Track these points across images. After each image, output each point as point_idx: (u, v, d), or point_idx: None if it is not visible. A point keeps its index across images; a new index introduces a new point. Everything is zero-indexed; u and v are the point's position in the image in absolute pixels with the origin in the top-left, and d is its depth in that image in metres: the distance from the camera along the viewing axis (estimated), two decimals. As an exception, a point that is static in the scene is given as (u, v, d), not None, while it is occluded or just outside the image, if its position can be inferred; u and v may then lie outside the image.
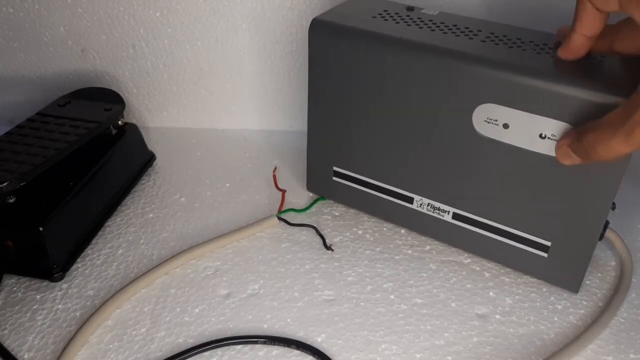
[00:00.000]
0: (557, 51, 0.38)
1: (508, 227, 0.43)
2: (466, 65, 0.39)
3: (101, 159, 0.50)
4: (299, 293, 0.43)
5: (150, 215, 0.51)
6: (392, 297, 0.43)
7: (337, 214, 0.51)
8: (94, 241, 0.48)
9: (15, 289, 0.43)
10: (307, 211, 0.52)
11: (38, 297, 0.43)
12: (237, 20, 0.57)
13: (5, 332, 0.40)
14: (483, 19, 0.44)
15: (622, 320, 0.41)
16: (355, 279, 0.45)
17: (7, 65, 0.62)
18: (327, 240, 0.48)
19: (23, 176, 0.42)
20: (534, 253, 0.43)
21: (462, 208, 0.44)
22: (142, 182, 0.56)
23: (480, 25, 0.43)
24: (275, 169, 0.54)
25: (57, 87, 0.61)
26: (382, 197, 0.48)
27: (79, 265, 0.45)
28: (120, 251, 0.47)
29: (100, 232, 0.49)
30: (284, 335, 0.40)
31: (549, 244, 0.42)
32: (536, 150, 0.38)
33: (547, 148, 0.38)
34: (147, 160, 0.57)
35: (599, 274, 0.45)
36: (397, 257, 0.47)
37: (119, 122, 0.54)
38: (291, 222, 0.50)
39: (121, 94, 0.56)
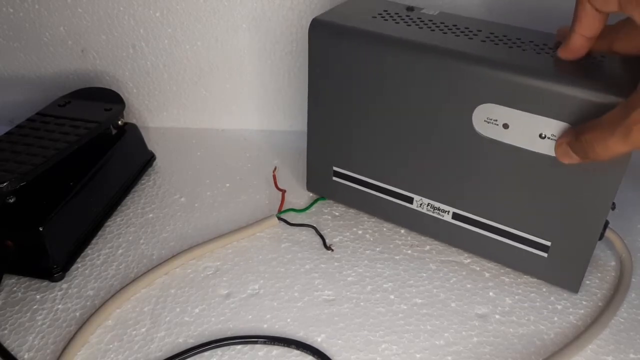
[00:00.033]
0: (557, 51, 0.38)
1: (508, 227, 0.43)
2: (466, 65, 0.39)
3: (101, 159, 0.50)
4: (299, 293, 0.43)
5: (150, 215, 0.51)
6: (392, 297, 0.43)
7: (337, 214, 0.51)
8: (94, 241, 0.48)
9: (15, 289, 0.43)
10: (307, 211, 0.52)
11: (38, 297, 0.43)
12: (237, 20, 0.57)
13: (5, 332, 0.40)
14: (483, 19, 0.44)
15: (622, 320, 0.41)
16: (355, 279, 0.45)
17: (7, 65, 0.62)
18: (327, 240, 0.48)
19: (23, 176, 0.42)
20: (533, 253, 0.43)
21: (462, 208, 0.44)
22: (142, 182, 0.56)
23: (480, 25, 0.43)
24: (275, 169, 0.54)
25: (57, 87, 0.61)
26: (382, 197, 0.48)
27: (79, 265, 0.45)
28: (120, 251, 0.47)
29: (100, 232, 0.49)
30: (284, 335, 0.40)
31: (548, 244, 0.42)
32: (536, 150, 0.38)
33: (547, 148, 0.38)
34: (147, 160, 0.57)
35: (599, 274, 0.45)
36: (397, 257, 0.47)
37: (119, 122, 0.54)
38: (291, 222, 0.50)
39: (121, 94, 0.56)
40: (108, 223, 0.50)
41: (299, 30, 0.57)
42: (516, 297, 0.43)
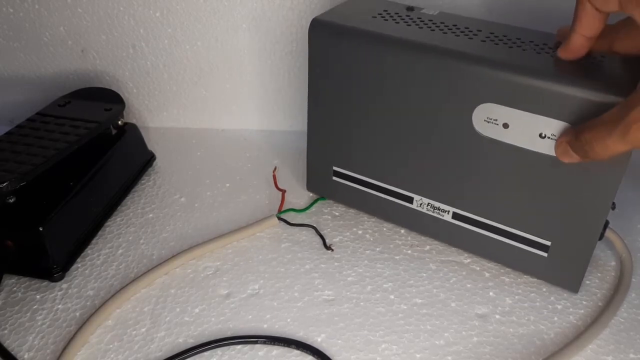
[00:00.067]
0: (557, 51, 0.38)
1: (508, 226, 0.43)
2: (466, 65, 0.39)
3: (101, 159, 0.50)
4: (299, 293, 0.43)
5: (150, 215, 0.51)
6: (392, 297, 0.43)
7: (337, 214, 0.51)
8: (94, 241, 0.48)
9: (15, 289, 0.43)
10: (307, 211, 0.52)
11: (38, 297, 0.43)
12: (237, 20, 0.57)
13: (5, 332, 0.40)
14: (483, 19, 0.44)
15: (622, 320, 0.41)
16: (355, 279, 0.45)
17: (7, 65, 0.62)
18: (327, 240, 0.48)
19: (23, 176, 0.42)
20: (534, 253, 0.43)
21: (462, 208, 0.44)
22: (142, 182, 0.56)
23: (480, 25, 0.43)
24: (275, 169, 0.54)
25: (57, 87, 0.61)
26: (382, 197, 0.48)
27: (79, 265, 0.45)
28: (120, 251, 0.47)
29: (100, 232, 0.49)
30: (284, 335, 0.40)
31: (548, 243, 0.42)
32: (536, 150, 0.38)
33: (547, 148, 0.38)
34: (147, 160, 0.57)
35: (599, 274, 0.45)
36: (397, 257, 0.47)
37: (119, 122, 0.54)
38: (291, 222, 0.50)
39: (121, 94, 0.56)
40: (108, 223, 0.50)
41: (299, 30, 0.57)
42: (516, 297, 0.43)
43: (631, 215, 0.51)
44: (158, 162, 0.59)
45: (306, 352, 0.39)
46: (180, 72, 0.61)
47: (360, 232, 0.49)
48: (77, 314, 0.41)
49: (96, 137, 0.50)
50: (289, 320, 0.41)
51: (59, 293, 0.43)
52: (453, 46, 0.40)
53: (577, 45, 0.36)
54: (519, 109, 0.38)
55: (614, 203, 0.39)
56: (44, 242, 0.43)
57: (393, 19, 0.44)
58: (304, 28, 0.57)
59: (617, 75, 0.37)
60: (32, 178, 0.43)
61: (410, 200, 0.47)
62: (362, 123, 0.45)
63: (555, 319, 0.41)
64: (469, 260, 0.46)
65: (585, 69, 0.37)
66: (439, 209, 0.45)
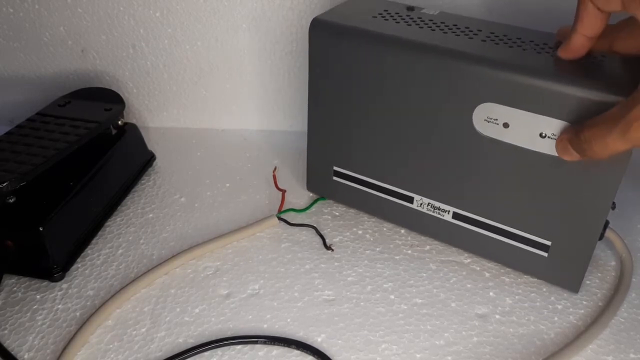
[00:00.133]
0: (557, 51, 0.38)
1: (508, 226, 0.43)
2: (466, 65, 0.39)
3: (101, 159, 0.50)
4: (299, 293, 0.43)
5: (150, 215, 0.51)
6: (392, 297, 0.43)
7: (337, 214, 0.51)
8: (94, 241, 0.48)
9: (15, 289, 0.43)
10: (307, 211, 0.52)
11: (38, 297, 0.43)
12: (237, 20, 0.57)
13: (5, 332, 0.40)
14: (483, 19, 0.44)
15: (622, 320, 0.41)
16: (355, 279, 0.45)
17: (7, 65, 0.62)
18: (327, 240, 0.48)
19: (23, 176, 0.42)
20: (534, 253, 0.43)
21: (462, 208, 0.44)
22: (142, 182, 0.56)
23: (480, 25, 0.43)
24: (275, 169, 0.54)
25: (57, 87, 0.61)
26: (382, 197, 0.48)
27: (79, 265, 0.45)
28: (120, 251, 0.47)
29: (100, 232, 0.49)
30: (284, 335, 0.40)
31: (549, 243, 0.42)
32: (536, 150, 0.38)
33: (547, 147, 0.38)
34: (147, 160, 0.57)
35: (599, 274, 0.45)
36: (397, 257, 0.47)
37: (119, 122, 0.54)
38: (291, 222, 0.50)
39: (121, 94, 0.56)
40: (108, 223, 0.50)
41: (299, 30, 0.57)
42: (516, 297, 0.43)
43: (631, 215, 0.51)
44: (158, 162, 0.59)
45: (306, 352, 0.38)
46: (180, 72, 0.61)
47: (360, 232, 0.49)
48: (77, 314, 0.41)
49: (96, 137, 0.50)
50: (289, 320, 0.41)
51: (59, 293, 0.43)
52: (453, 46, 0.40)
53: (578, 45, 0.36)
54: (519, 109, 0.38)
55: (614, 203, 0.39)
56: (44, 242, 0.43)
57: (393, 19, 0.44)
58: (304, 28, 0.57)
59: (618, 74, 0.37)
60: (32, 178, 0.43)
61: (410, 200, 0.47)
62: (363, 123, 0.45)
63: (556, 319, 0.41)
64: (469, 260, 0.46)
65: (586, 68, 0.37)
66: (439, 208, 0.45)
